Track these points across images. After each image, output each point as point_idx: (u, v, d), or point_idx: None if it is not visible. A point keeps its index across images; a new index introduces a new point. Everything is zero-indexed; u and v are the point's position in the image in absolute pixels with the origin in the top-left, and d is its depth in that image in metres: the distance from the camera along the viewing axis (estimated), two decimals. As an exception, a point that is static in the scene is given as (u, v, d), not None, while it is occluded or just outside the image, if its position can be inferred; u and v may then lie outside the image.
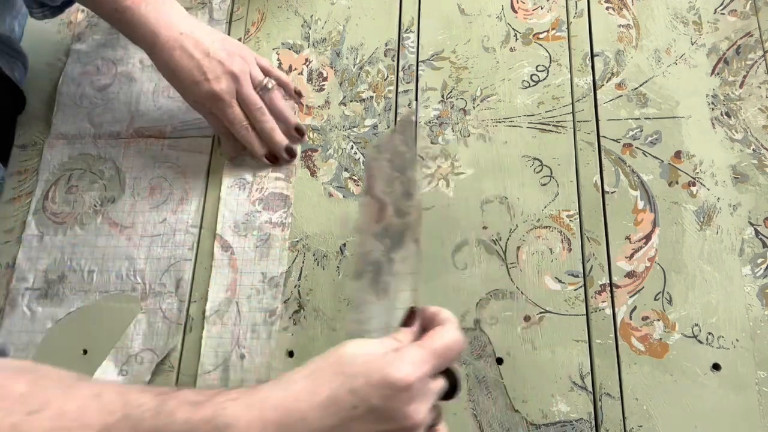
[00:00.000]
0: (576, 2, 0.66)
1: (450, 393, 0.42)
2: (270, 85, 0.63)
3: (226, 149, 0.65)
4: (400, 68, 0.67)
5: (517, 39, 0.66)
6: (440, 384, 0.40)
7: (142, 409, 0.35)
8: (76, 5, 0.69)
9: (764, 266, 0.54)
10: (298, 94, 0.67)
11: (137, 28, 0.59)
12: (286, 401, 0.37)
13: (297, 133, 0.64)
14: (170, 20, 0.59)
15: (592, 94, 0.62)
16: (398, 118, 0.63)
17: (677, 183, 0.58)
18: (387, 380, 0.37)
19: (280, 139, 0.63)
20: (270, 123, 0.63)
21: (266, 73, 0.65)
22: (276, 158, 0.64)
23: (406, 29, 0.68)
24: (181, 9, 0.62)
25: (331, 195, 0.63)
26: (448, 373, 0.42)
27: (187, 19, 0.61)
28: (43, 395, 0.35)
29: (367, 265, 0.45)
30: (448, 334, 0.41)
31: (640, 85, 0.62)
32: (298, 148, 0.65)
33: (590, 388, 0.53)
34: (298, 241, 0.62)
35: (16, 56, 0.71)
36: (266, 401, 0.37)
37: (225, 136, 0.64)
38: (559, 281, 0.56)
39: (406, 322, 0.43)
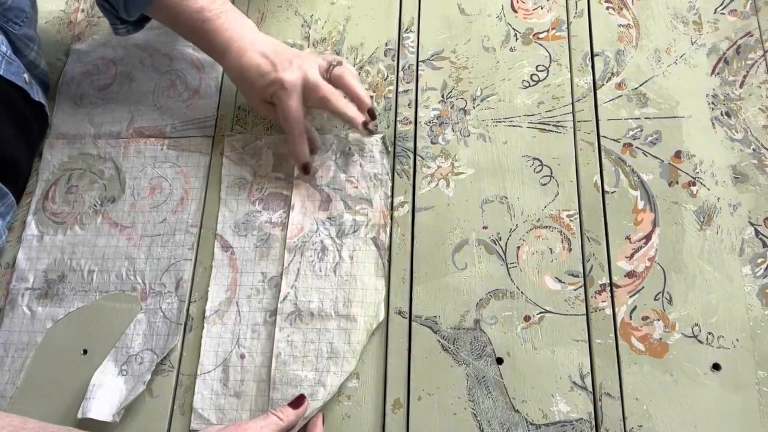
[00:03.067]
0: (576, 2, 0.66)
1: None
2: (336, 62, 0.62)
3: (297, 154, 0.62)
4: (400, 68, 0.67)
5: (517, 39, 0.66)
6: None
7: None
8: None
9: (764, 266, 0.54)
10: (371, 114, 0.62)
11: (214, 37, 0.63)
12: None
13: (369, 114, 0.62)
14: (243, 30, 0.63)
15: (592, 93, 0.62)
16: None
17: (677, 183, 0.58)
18: None
19: (354, 115, 0.61)
20: (341, 100, 0.61)
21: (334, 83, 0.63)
22: (308, 171, 0.63)
23: (406, 29, 0.68)
24: (252, 23, 0.65)
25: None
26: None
27: (256, 32, 0.64)
28: None
29: None
30: None
31: (640, 85, 0.62)
32: (318, 174, 0.64)
33: (590, 388, 0.53)
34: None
35: (41, 83, 0.72)
36: None
37: (295, 137, 0.62)
38: (559, 281, 0.56)
39: (296, 402, 0.54)
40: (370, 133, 0.63)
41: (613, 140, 0.60)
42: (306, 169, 0.63)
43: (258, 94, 0.62)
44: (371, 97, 0.66)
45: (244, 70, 0.62)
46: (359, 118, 0.61)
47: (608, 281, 0.56)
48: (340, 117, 0.61)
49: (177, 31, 0.66)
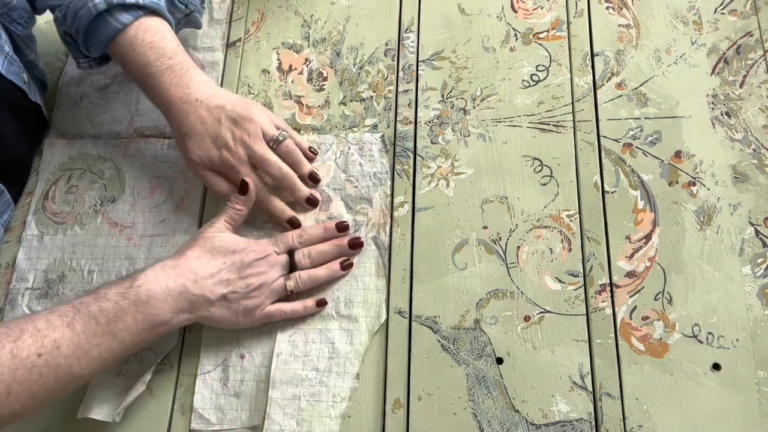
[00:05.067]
0: (576, 2, 0.66)
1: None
2: (282, 137, 0.61)
3: (217, 189, 0.62)
4: (400, 68, 0.67)
5: (517, 39, 0.66)
6: (283, 259, 0.59)
7: (85, 303, 0.50)
8: None
9: (764, 266, 0.54)
10: (313, 152, 0.65)
11: (157, 93, 0.61)
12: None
13: (311, 179, 0.63)
14: (189, 87, 0.61)
15: (592, 93, 0.62)
16: None
17: (677, 183, 0.58)
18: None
19: (300, 194, 0.62)
20: (288, 180, 0.61)
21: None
22: (299, 223, 0.62)
23: (406, 29, 0.68)
24: (202, 76, 0.62)
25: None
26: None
27: (204, 85, 0.61)
28: (16, 326, 0.47)
29: None
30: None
31: (640, 85, 0.62)
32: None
33: (590, 388, 0.53)
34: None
35: (39, 84, 0.72)
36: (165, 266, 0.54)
37: (215, 188, 0.62)
38: (559, 281, 0.56)
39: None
40: (312, 206, 0.63)
41: (613, 140, 0.60)
42: (293, 223, 0.62)
43: (197, 161, 0.61)
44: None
45: (185, 136, 0.60)
46: (304, 193, 0.62)
47: (608, 281, 0.56)
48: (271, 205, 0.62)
49: (134, 82, 0.64)
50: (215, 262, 0.56)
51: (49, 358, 0.46)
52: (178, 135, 0.61)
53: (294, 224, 0.62)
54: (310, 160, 0.64)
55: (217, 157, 0.60)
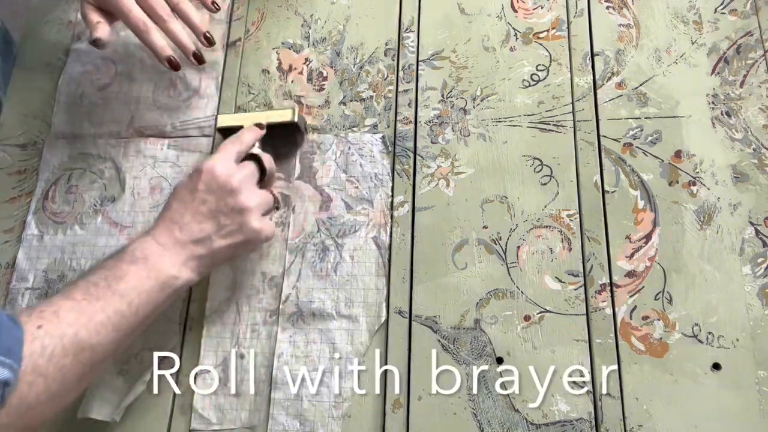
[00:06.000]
0: (576, 1, 0.66)
1: (262, 173, 0.58)
2: None
3: (93, 33, 0.60)
4: (400, 68, 0.67)
5: (517, 38, 0.66)
6: (250, 167, 0.57)
7: (80, 278, 0.49)
8: None
9: (764, 266, 0.54)
10: (216, 7, 0.64)
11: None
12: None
13: (205, 41, 0.63)
14: None
15: (593, 93, 0.62)
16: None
17: (677, 182, 0.58)
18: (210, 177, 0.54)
19: (186, 42, 0.61)
20: (173, 23, 0.60)
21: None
22: (178, 64, 0.61)
23: (406, 29, 0.68)
24: None
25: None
26: (256, 158, 0.58)
27: None
28: (48, 307, 0.44)
29: None
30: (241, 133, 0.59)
31: (641, 85, 0.62)
32: (207, 56, 0.64)
33: (590, 388, 0.53)
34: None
35: None
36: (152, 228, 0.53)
37: (93, 24, 0.60)
38: (559, 281, 0.56)
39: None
40: (198, 62, 0.63)
41: (613, 140, 0.60)
42: (171, 63, 0.60)
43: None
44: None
45: None
46: (189, 45, 0.61)
47: (608, 281, 0.56)
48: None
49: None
50: (190, 203, 0.53)
51: (51, 327, 0.43)
52: None
53: (172, 64, 0.61)
54: (212, 11, 0.65)
55: None
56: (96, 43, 0.59)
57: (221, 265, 0.59)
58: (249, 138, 0.59)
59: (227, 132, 0.62)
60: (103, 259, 0.52)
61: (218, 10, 0.65)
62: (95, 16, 0.60)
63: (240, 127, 0.61)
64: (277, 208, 0.61)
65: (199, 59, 0.63)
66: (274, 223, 0.59)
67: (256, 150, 0.60)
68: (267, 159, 0.59)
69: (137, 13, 0.59)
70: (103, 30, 0.60)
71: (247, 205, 0.54)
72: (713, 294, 0.54)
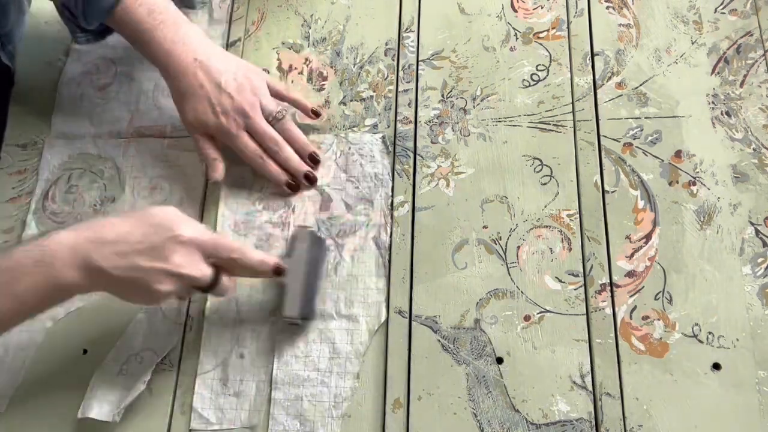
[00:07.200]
0: (576, 1, 0.66)
1: (210, 286, 0.52)
2: (281, 116, 0.61)
3: (211, 173, 0.62)
4: (400, 68, 0.67)
5: (517, 38, 0.66)
6: (207, 269, 0.51)
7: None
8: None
9: (764, 266, 0.54)
10: (315, 114, 0.65)
11: (153, 49, 0.60)
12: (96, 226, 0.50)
13: (311, 160, 0.63)
14: (186, 44, 0.60)
15: (593, 93, 0.62)
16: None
17: (677, 182, 0.58)
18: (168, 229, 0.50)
19: (298, 165, 0.62)
20: (285, 151, 0.61)
21: (280, 97, 0.63)
22: (297, 186, 0.62)
23: (406, 29, 0.68)
24: (199, 31, 0.62)
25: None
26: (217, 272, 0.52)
27: (203, 44, 0.61)
28: None
29: None
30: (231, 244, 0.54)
31: (641, 85, 0.62)
32: (318, 174, 0.63)
33: (590, 388, 0.53)
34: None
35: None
36: (78, 228, 0.49)
37: (210, 161, 0.62)
38: (560, 281, 0.56)
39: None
40: (310, 183, 0.63)
41: (613, 140, 0.60)
42: (291, 186, 0.62)
43: (193, 123, 0.60)
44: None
45: (183, 97, 0.60)
46: (301, 168, 0.62)
47: (608, 281, 0.56)
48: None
49: (133, 47, 0.63)
50: (133, 230, 0.49)
51: None
52: (176, 95, 0.61)
53: (292, 187, 0.62)
54: (314, 120, 0.65)
55: (214, 123, 0.59)
56: (214, 181, 0.62)
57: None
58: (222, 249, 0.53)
59: None
60: (22, 242, 0.52)
61: (320, 117, 0.65)
62: (212, 152, 0.61)
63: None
64: (188, 299, 0.58)
65: (311, 180, 0.63)
66: (171, 301, 0.54)
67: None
68: (224, 288, 0.54)
69: (253, 149, 0.61)
70: (220, 170, 0.62)
71: (177, 262, 0.49)
72: (713, 294, 0.54)
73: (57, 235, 0.48)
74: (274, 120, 0.61)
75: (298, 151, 0.63)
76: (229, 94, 0.59)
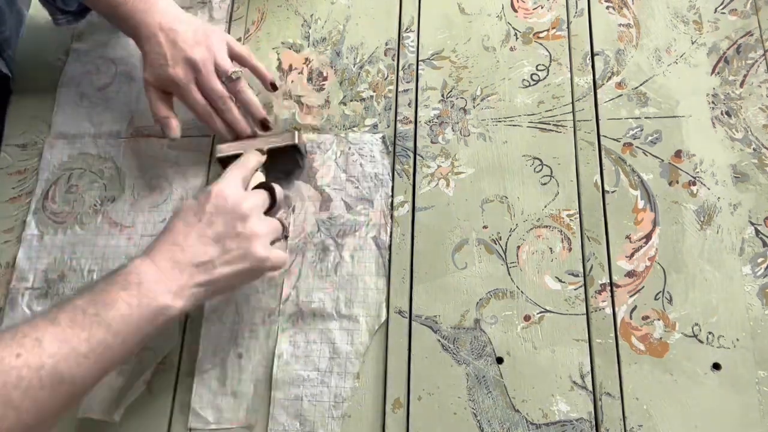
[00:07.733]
0: (576, 1, 0.66)
1: (272, 203, 0.56)
2: (235, 76, 0.62)
3: (166, 131, 0.63)
4: (400, 68, 0.67)
5: (517, 38, 0.66)
6: (262, 195, 0.55)
7: (70, 298, 0.45)
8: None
9: (764, 266, 0.54)
10: (273, 86, 0.66)
11: (125, 21, 0.62)
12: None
13: (262, 126, 0.64)
14: (154, 12, 0.61)
15: (593, 93, 0.62)
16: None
17: (677, 182, 0.58)
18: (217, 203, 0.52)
19: (243, 128, 0.63)
20: (231, 112, 0.62)
21: (240, 61, 0.64)
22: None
23: (406, 29, 0.68)
24: (170, 2, 0.63)
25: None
26: (268, 187, 0.57)
27: (170, 13, 0.62)
28: (32, 332, 0.42)
29: None
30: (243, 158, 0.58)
31: (641, 85, 0.62)
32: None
33: (590, 388, 0.53)
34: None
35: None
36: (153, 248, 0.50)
37: (161, 118, 0.63)
38: (560, 281, 0.56)
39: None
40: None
41: (614, 140, 0.60)
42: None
43: (153, 83, 0.61)
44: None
45: (145, 60, 0.61)
46: (245, 132, 0.63)
47: (608, 281, 0.55)
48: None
49: (103, 17, 0.65)
50: (196, 224, 0.51)
51: (30, 357, 0.40)
52: (143, 61, 0.62)
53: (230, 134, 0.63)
54: (271, 92, 0.66)
55: (165, 74, 0.60)
56: (173, 140, 0.63)
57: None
58: (252, 163, 0.58)
59: (227, 161, 0.60)
60: (96, 279, 0.50)
61: (276, 90, 0.67)
62: (162, 110, 0.62)
63: (239, 155, 0.60)
64: (286, 237, 0.60)
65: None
66: (283, 252, 0.56)
67: (261, 175, 0.59)
68: (279, 191, 0.57)
69: (203, 105, 0.61)
70: (175, 128, 0.62)
71: (255, 231, 0.52)
72: (713, 294, 0.54)
73: (131, 261, 0.49)
74: (227, 80, 0.62)
75: (252, 115, 0.63)
76: (182, 48, 0.60)
